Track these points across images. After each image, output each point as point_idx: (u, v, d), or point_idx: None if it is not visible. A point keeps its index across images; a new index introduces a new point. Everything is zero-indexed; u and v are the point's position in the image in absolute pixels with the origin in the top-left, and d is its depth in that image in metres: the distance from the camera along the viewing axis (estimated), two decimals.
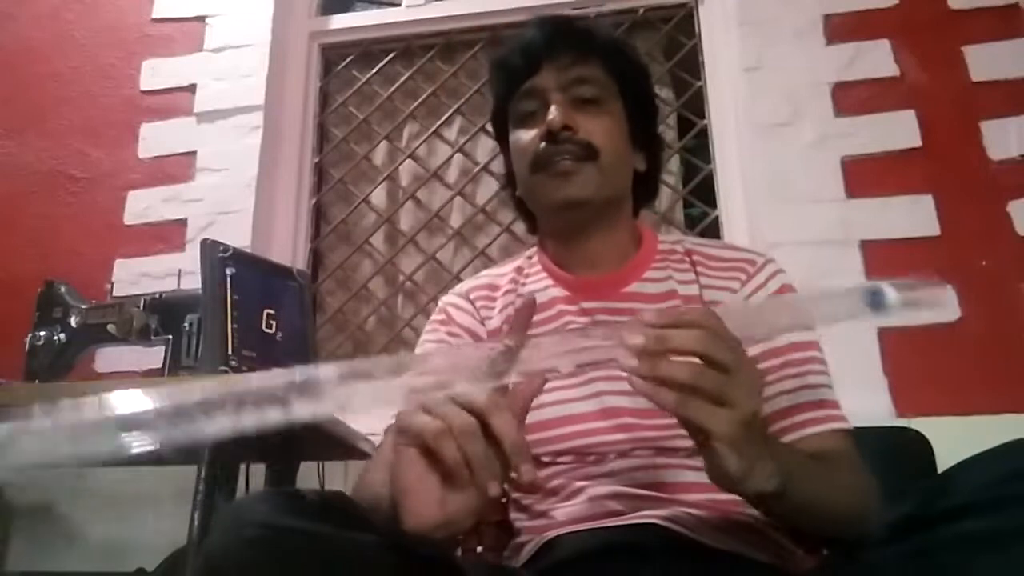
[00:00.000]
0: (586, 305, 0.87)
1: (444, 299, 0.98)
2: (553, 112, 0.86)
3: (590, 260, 0.90)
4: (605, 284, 0.89)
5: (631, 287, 0.87)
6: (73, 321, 1.39)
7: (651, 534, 0.73)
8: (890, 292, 0.51)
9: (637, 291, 0.87)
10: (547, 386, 0.81)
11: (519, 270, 0.97)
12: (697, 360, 0.53)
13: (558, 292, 0.90)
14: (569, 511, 0.79)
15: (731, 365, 0.53)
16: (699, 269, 0.89)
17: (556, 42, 0.90)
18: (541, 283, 0.92)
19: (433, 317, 0.97)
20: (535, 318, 0.86)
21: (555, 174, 0.85)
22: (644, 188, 0.96)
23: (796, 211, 1.64)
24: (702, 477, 0.78)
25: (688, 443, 0.78)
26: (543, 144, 0.86)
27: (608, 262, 0.90)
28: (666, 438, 0.79)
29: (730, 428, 0.53)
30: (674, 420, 0.78)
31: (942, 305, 0.58)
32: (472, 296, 0.96)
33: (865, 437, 0.80)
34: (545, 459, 0.82)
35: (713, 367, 0.53)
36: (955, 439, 1.26)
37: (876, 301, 0.52)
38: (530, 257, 0.99)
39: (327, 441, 1.28)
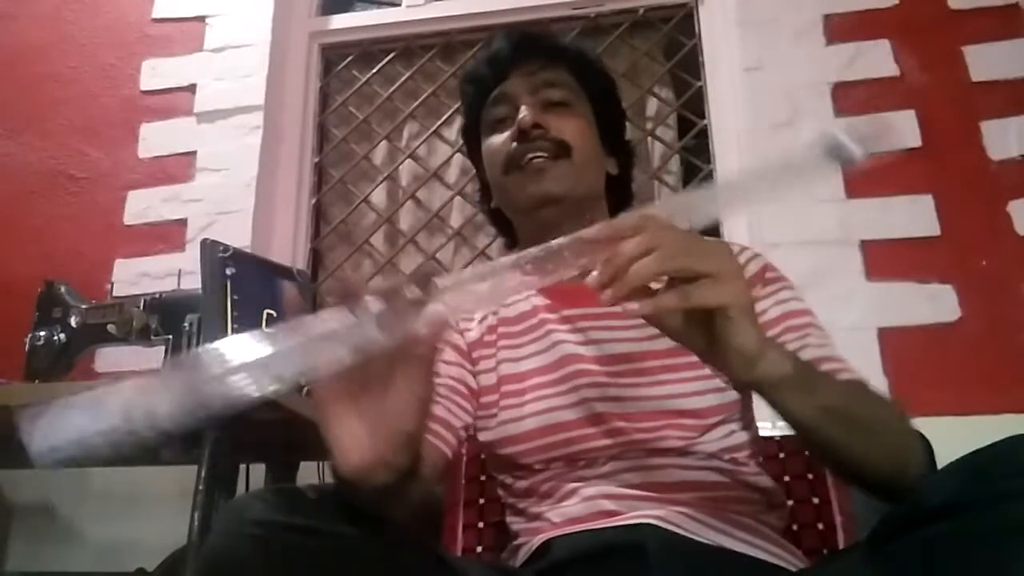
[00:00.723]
0: (567, 312, 0.87)
1: None
2: (523, 112, 0.87)
3: None
4: (585, 290, 0.86)
5: None
6: (73, 321, 1.39)
7: (647, 533, 0.73)
8: (848, 143, 0.55)
9: None
10: (530, 395, 0.83)
11: None
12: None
13: (539, 301, 0.90)
14: (563, 512, 0.79)
15: (691, 241, 0.55)
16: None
17: (523, 49, 0.92)
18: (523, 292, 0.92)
19: None
20: (520, 327, 0.89)
21: (529, 171, 0.86)
22: (618, 193, 0.97)
23: (796, 211, 1.64)
24: (694, 476, 0.78)
25: (681, 443, 0.79)
26: (515, 144, 0.87)
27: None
28: (657, 439, 0.79)
29: (740, 293, 0.55)
30: (664, 421, 0.79)
31: (894, 130, 0.60)
32: None
33: None
34: (536, 466, 0.82)
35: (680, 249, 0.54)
36: (955, 439, 1.26)
37: (838, 153, 0.55)
38: None
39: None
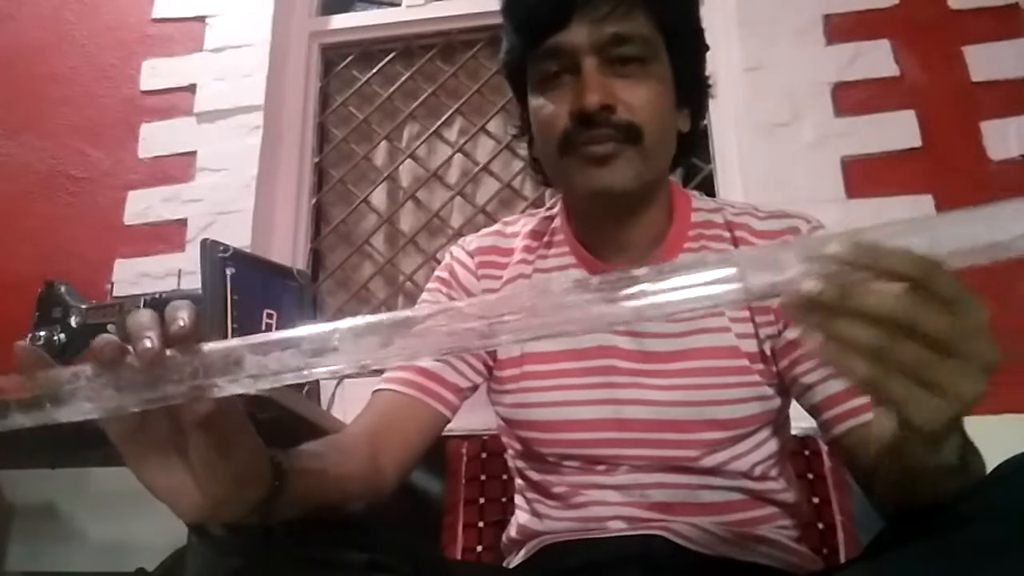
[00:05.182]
0: None
1: (453, 252, 0.89)
2: (588, 90, 0.71)
3: (620, 245, 0.80)
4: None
5: None
6: (73, 321, 1.39)
7: (657, 546, 0.71)
8: None
9: None
10: (552, 381, 0.78)
11: (537, 236, 0.87)
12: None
13: (579, 276, 0.82)
14: (573, 519, 0.77)
15: (960, 309, 0.41)
16: (741, 248, 0.79)
17: None
18: (564, 259, 0.84)
19: (438, 272, 0.89)
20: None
21: (590, 160, 0.72)
22: (684, 147, 0.83)
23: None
24: (720, 496, 0.75)
25: (710, 461, 0.74)
26: (573, 125, 0.73)
27: (639, 246, 0.80)
28: (686, 456, 0.75)
29: (938, 420, 0.42)
30: (698, 434, 0.74)
31: None
32: (477, 260, 0.87)
33: None
34: (550, 459, 0.79)
35: (932, 308, 0.40)
36: None
37: None
38: (549, 219, 0.88)
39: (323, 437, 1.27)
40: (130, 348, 0.43)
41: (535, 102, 0.77)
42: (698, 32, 0.82)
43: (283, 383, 0.44)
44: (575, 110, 0.72)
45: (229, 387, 0.43)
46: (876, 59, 1.71)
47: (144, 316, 0.43)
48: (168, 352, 0.42)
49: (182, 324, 0.42)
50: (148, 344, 0.41)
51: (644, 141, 0.73)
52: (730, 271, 0.41)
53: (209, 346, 0.44)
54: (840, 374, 0.41)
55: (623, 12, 0.72)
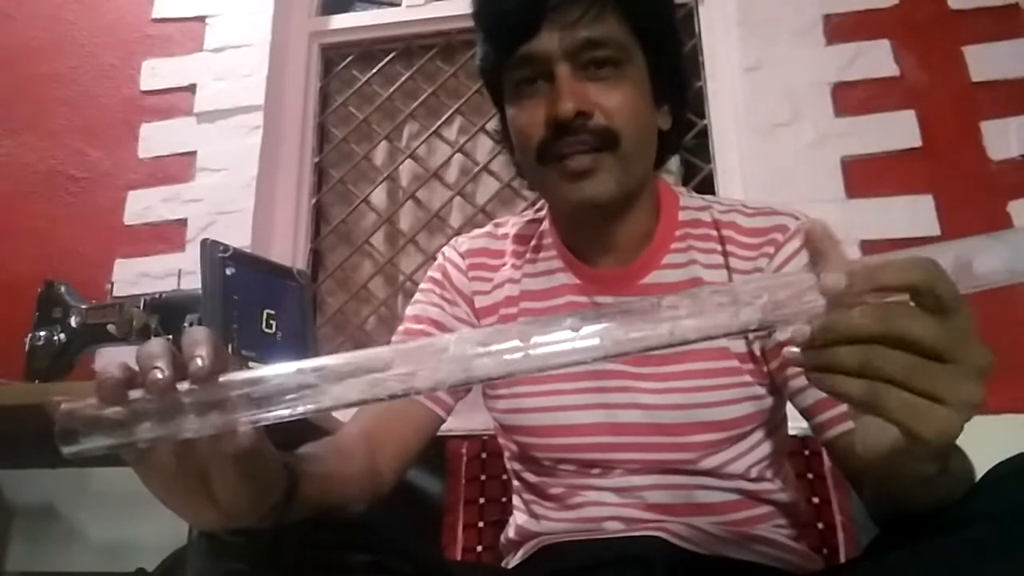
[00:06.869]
0: (599, 299, 0.79)
1: (446, 252, 0.90)
2: (562, 98, 0.70)
3: (606, 247, 0.80)
4: (621, 277, 0.80)
5: (649, 278, 0.79)
6: (73, 321, 1.39)
7: (654, 547, 0.71)
8: None
9: (655, 282, 0.78)
10: (544, 386, 0.78)
11: (525, 240, 0.87)
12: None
13: (568, 279, 0.82)
14: (570, 519, 0.77)
15: (953, 312, 0.41)
16: (728, 247, 0.79)
17: None
18: (552, 263, 0.84)
19: (431, 272, 0.89)
20: (544, 304, 0.81)
21: (568, 173, 0.72)
22: (668, 143, 0.82)
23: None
24: (715, 497, 0.75)
25: (706, 463, 0.74)
26: (550, 134, 0.72)
27: (625, 248, 0.80)
28: (681, 458, 0.75)
29: (950, 430, 0.40)
30: (692, 437, 0.74)
31: None
32: (468, 261, 0.87)
33: None
34: (545, 462, 0.80)
35: (919, 315, 0.40)
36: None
37: None
38: (536, 222, 0.88)
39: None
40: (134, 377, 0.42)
41: (511, 110, 0.77)
42: (673, 29, 0.81)
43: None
44: (550, 118, 0.71)
45: (270, 414, 0.44)
46: (876, 59, 1.71)
47: (154, 346, 0.42)
48: (180, 386, 0.41)
49: (200, 363, 0.41)
50: (159, 375, 0.40)
51: (622, 146, 0.72)
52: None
53: (250, 374, 0.43)
54: (838, 399, 0.42)
55: (594, 16, 0.71)
